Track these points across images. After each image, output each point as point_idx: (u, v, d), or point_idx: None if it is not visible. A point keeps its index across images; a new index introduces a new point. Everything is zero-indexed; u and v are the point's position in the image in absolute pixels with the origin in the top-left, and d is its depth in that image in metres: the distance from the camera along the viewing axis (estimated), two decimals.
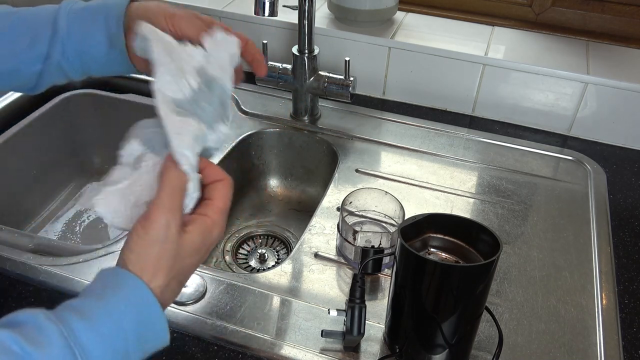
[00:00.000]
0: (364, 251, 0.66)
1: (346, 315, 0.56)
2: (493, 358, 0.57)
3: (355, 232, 0.67)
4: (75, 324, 0.38)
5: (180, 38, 0.51)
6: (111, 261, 0.68)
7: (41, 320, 0.37)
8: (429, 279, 0.50)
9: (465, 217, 0.55)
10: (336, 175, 0.84)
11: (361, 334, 0.56)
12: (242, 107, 0.98)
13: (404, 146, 0.90)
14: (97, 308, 0.39)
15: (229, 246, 0.90)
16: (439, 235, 0.55)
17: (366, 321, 0.57)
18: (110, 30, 0.52)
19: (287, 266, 0.69)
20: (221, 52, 0.50)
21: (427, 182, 0.83)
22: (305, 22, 0.85)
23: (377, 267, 0.68)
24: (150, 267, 0.42)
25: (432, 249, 0.56)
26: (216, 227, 0.45)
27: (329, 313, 0.57)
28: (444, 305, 0.51)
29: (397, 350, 0.57)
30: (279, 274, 0.68)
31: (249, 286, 0.66)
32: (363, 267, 0.61)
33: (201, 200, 0.46)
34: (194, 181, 0.44)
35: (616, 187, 0.85)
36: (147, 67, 0.50)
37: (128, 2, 0.53)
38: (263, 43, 0.88)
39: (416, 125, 0.95)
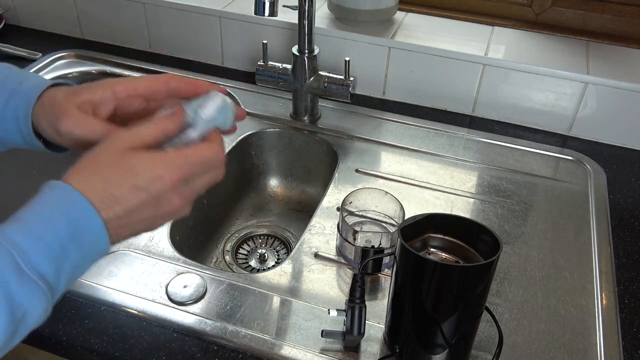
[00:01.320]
0: (364, 251, 0.66)
1: (346, 315, 0.56)
2: (493, 358, 0.57)
3: (355, 232, 0.67)
4: (8, 228, 0.39)
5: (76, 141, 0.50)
6: (111, 261, 0.68)
7: None
8: (429, 279, 0.50)
9: (465, 217, 0.55)
10: (336, 175, 0.84)
11: (361, 334, 0.56)
12: (242, 107, 0.98)
13: (404, 146, 0.90)
14: (29, 212, 0.41)
15: (229, 246, 0.90)
16: (439, 235, 0.55)
17: (366, 321, 0.56)
18: (22, 132, 0.52)
19: (287, 266, 0.69)
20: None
21: (427, 182, 0.83)
22: (305, 22, 0.85)
23: (377, 267, 0.68)
24: (84, 169, 0.43)
25: (432, 249, 0.56)
26: (165, 162, 0.44)
27: (329, 313, 0.57)
28: (444, 305, 0.51)
29: (397, 350, 0.57)
30: (279, 274, 0.68)
31: (249, 286, 0.66)
32: (363, 267, 0.61)
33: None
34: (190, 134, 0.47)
35: (616, 187, 0.85)
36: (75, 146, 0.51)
37: (33, 103, 0.51)
38: (263, 43, 0.88)
39: (416, 125, 0.95)
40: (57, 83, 0.53)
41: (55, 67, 1.08)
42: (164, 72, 1.06)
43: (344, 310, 0.57)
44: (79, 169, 0.43)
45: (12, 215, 0.41)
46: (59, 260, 0.40)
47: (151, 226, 0.46)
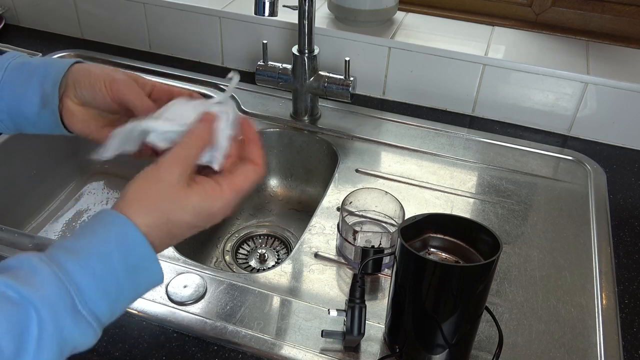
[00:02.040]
0: (364, 251, 0.66)
1: (346, 315, 0.56)
2: (493, 358, 0.57)
3: (355, 232, 0.67)
4: (68, 263, 0.39)
5: (117, 102, 0.52)
6: None
7: (34, 262, 0.38)
8: (429, 279, 0.50)
9: (465, 217, 0.55)
10: (336, 175, 0.84)
11: (361, 334, 0.56)
12: (242, 107, 0.98)
13: (404, 146, 0.90)
14: (88, 247, 0.40)
15: (229, 246, 0.90)
16: (439, 235, 0.55)
17: (366, 321, 0.56)
18: (44, 91, 0.52)
19: (287, 266, 0.69)
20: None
21: (427, 182, 0.83)
22: (305, 22, 0.85)
23: (377, 267, 0.68)
24: (143, 203, 0.42)
25: (432, 249, 0.56)
26: (220, 200, 0.45)
27: (329, 313, 0.57)
28: (444, 305, 0.51)
29: (397, 350, 0.57)
30: (279, 274, 0.68)
31: (249, 286, 0.66)
32: (363, 267, 0.61)
33: (225, 171, 0.47)
34: (223, 140, 0.47)
35: (616, 187, 0.85)
36: (84, 129, 0.53)
37: (69, 65, 0.53)
38: (263, 43, 0.88)
39: (416, 125, 0.95)
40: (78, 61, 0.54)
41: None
42: (164, 72, 1.06)
43: (344, 310, 0.57)
44: (138, 200, 0.43)
45: (65, 237, 0.40)
46: (114, 302, 0.41)
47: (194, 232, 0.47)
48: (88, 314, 0.39)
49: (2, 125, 0.54)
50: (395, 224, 0.74)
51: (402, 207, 0.71)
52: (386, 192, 0.72)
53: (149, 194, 0.43)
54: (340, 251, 0.71)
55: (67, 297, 0.38)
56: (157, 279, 0.43)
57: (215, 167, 0.47)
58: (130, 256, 0.41)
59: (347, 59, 0.86)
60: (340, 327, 0.59)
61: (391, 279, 0.56)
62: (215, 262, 0.88)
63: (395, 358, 0.57)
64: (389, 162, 0.87)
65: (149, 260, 0.42)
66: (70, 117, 0.53)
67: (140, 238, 0.41)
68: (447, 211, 0.78)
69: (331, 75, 0.88)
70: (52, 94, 0.52)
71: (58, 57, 1.09)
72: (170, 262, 0.68)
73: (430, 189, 0.82)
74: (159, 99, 0.54)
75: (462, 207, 0.79)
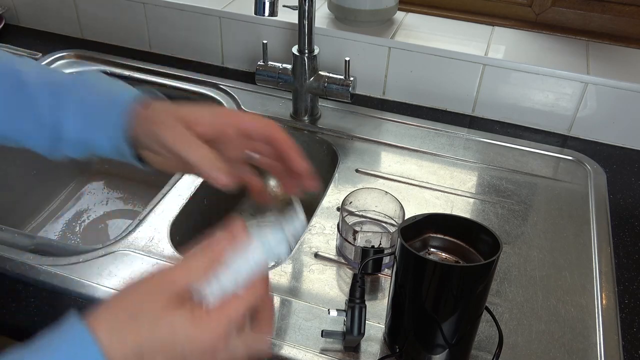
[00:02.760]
0: (364, 251, 0.66)
1: (346, 316, 0.56)
2: (493, 358, 0.57)
3: (355, 232, 0.67)
4: None
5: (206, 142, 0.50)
6: (111, 261, 0.68)
7: None
8: (429, 279, 0.50)
9: (465, 217, 0.55)
10: (336, 175, 0.84)
11: (361, 334, 0.56)
12: (242, 107, 0.98)
13: (404, 146, 0.90)
14: (46, 354, 0.37)
15: None
16: (439, 235, 0.55)
17: (366, 321, 0.56)
18: (116, 141, 0.51)
19: (287, 266, 0.69)
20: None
21: (427, 182, 0.83)
22: (305, 22, 0.85)
23: (377, 267, 0.68)
24: (121, 316, 0.38)
25: (432, 249, 0.56)
26: (206, 339, 0.39)
27: (329, 313, 0.57)
28: (444, 305, 0.51)
29: (397, 350, 0.57)
30: (279, 274, 0.68)
31: None
32: (363, 267, 0.61)
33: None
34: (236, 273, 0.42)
35: (616, 187, 0.85)
36: (164, 167, 0.52)
37: (130, 113, 0.51)
38: (263, 43, 0.88)
39: (416, 125, 0.95)
40: (149, 94, 0.53)
41: (55, 67, 1.08)
42: (164, 72, 1.06)
43: (344, 310, 0.57)
44: (113, 313, 0.38)
45: (32, 341, 0.37)
46: None
47: None
48: None
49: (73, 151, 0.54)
50: (395, 224, 0.74)
51: (402, 207, 0.71)
52: (386, 192, 0.72)
53: (128, 306, 0.39)
54: (340, 251, 0.71)
55: None
56: None
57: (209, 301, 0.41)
58: None
59: (347, 59, 0.86)
60: (340, 327, 0.59)
61: (391, 279, 0.56)
62: None
63: (395, 358, 0.57)
64: (389, 162, 0.87)
65: None
66: (146, 157, 0.53)
67: (90, 342, 0.36)
68: (447, 211, 0.78)
69: (331, 75, 0.88)
70: (123, 145, 0.51)
71: (57, 56, 1.09)
72: (170, 262, 0.68)
73: (430, 189, 0.82)
74: (253, 136, 0.52)
75: (462, 207, 0.79)
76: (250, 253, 0.42)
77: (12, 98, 0.52)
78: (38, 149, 0.54)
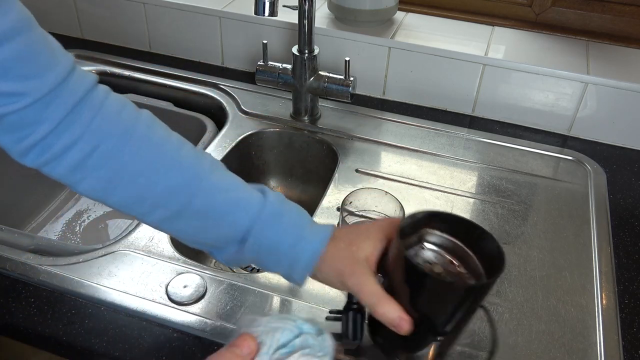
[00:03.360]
0: None
1: (342, 321, 0.55)
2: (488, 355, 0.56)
3: None
4: None
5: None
6: (111, 261, 0.68)
7: None
8: (426, 292, 0.49)
9: (468, 220, 0.52)
10: (336, 175, 0.84)
11: (358, 338, 0.55)
12: (242, 107, 0.98)
13: (404, 146, 0.90)
14: None
15: None
16: (436, 232, 0.54)
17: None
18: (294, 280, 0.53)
19: None
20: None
21: (427, 182, 0.83)
22: (305, 22, 0.85)
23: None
24: None
25: (427, 244, 0.54)
26: None
27: (326, 320, 0.57)
28: (433, 312, 0.50)
29: (380, 342, 0.55)
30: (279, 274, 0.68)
31: (249, 286, 0.66)
32: None
33: None
34: None
35: (616, 187, 0.85)
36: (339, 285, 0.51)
37: (315, 261, 0.52)
38: (263, 43, 0.88)
39: (416, 125, 0.95)
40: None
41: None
42: (164, 72, 1.06)
43: (341, 314, 0.56)
44: None
45: None
46: None
47: None
48: None
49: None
50: None
51: (402, 207, 0.70)
52: (386, 192, 0.72)
53: None
54: None
55: None
56: None
57: None
58: None
59: (347, 59, 0.86)
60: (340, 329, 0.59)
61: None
62: (215, 262, 0.88)
63: (379, 349, 0.56)
64: (389, 162, 0.87)
65: None
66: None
67: None
68: (447, 211, 0.78)
69: (331, 75, 0.88)
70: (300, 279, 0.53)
71: None
72: (170, 262, 0.69)
73: (430, 189, 0.82)
74: None
75: (462, 207, 0.79)
76: None
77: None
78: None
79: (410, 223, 0.51)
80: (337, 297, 0.65)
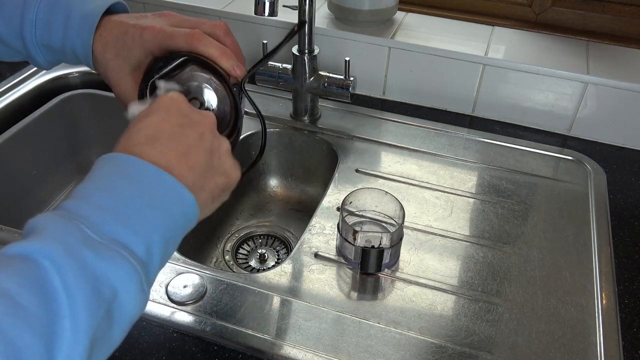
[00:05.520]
0: (364, 251, 0.66)
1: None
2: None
3: (355, 232, 0.67)
4: (69, 204, 0.37)
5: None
6: None
7: (41, 218, 0.36)
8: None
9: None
10: (336, 175, 0.84)
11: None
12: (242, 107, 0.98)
13: (404, 146, 0.90)
14: (88, 187, 0.39)
15: (229, 246, 0.90)
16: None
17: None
18: (79, 48, 0.54)
19: (287, 266, 0.69)
20: None
21: (427, 182, 0.83)
22: (305, 22, 0.85)
23: (378, 267, 0.68)
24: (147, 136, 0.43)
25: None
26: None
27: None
28: None
29: None
30: (279, 274, 0.68)
31: (249, 286, 0.66)
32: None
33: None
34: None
35: (616, 187, 0.85)
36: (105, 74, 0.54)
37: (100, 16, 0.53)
38: (263, 43, 0.88)
39: (416, 125, 0.95)
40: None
41: (54, 67, 1.08)
42: None
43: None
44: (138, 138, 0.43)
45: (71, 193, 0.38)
46: (140, 229, 0.38)
47: (220, 193, 0.49)
48: (105, 240, 0.36)
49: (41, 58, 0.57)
50: (396, 224, 0.74)
51: (402, 207, 0.71)
52: (386, 192, 0.72)
53: (152, 129, 0.44)
54: (340, 251, 0.71)
55: (76, 230, 0.35)
56: (183, 199, 0.41)
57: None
58: (141, 182, 0.40)
59: (347, 59, 0.86)
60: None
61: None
62: (215, 262, 0.88)
63: None
64: (389, 162, 0.87)
65: (158, 174, 0.40)
66: (99, 64, 0.54)
67: (146, 165, 0.40)
68: (448, 211, 0.78)
69: (331, 75, 0.88)
70: (86, 55, 0.53)
71: None
72: (170, 262, 0.68)
73: (430, 189, 0.82)
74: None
75: (462, 207, 0.79)
76: None
77: None
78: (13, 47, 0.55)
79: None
80: (337, 297, 0.65)
